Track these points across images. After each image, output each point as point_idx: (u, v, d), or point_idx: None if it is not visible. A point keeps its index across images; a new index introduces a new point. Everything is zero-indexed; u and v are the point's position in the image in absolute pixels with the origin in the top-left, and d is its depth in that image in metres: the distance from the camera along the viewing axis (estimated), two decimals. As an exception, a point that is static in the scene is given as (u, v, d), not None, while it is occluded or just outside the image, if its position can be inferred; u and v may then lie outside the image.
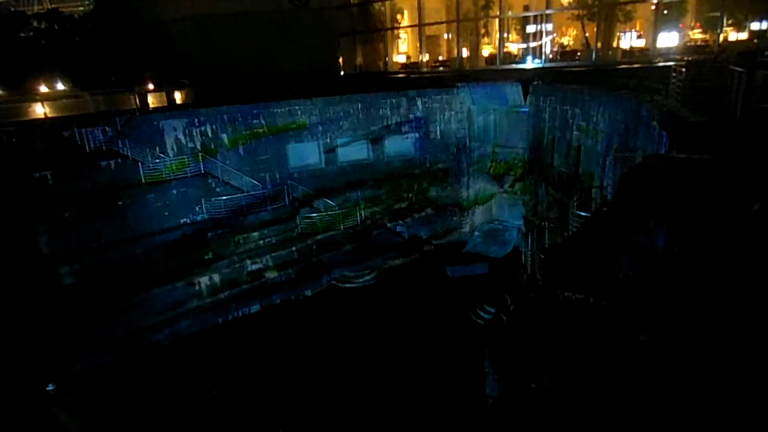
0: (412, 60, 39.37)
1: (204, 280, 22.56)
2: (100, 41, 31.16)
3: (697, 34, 30.91)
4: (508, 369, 5.49)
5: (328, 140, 26.50)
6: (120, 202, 21.39)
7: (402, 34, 40.97)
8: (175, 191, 22.64)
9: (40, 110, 24.87)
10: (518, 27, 36.17)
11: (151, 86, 30.82)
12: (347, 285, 24.82)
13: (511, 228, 28.43)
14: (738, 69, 11.89)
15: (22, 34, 31.37)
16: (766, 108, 11.06)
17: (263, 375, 18.17)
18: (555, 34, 33.72)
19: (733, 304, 5.03)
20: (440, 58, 38.65)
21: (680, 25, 30.32)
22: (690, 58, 21.88)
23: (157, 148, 22.29)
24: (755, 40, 26.69)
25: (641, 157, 13.66)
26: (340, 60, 39.26)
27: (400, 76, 35.01)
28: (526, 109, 26.10)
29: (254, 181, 24.47)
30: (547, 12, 30.47)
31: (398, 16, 38.36)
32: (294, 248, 24.68)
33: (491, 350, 5.87)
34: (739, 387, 4.19)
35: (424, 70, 35.17)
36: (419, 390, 16.65)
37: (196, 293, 22.35)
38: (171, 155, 22.67)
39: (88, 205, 20.49)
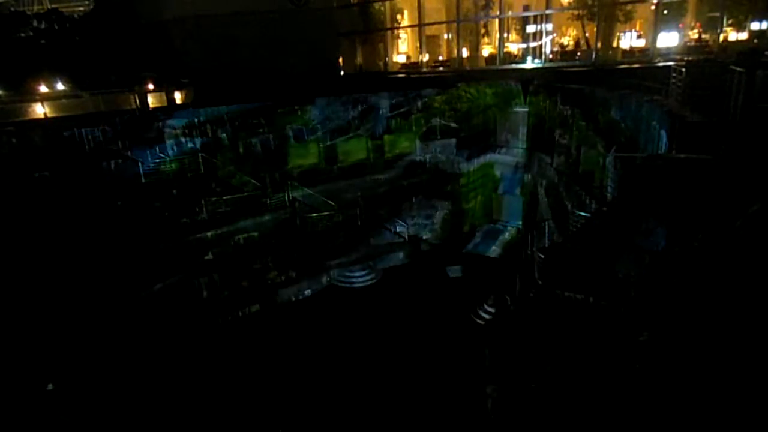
0: (412, 60, 39.37)
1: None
2: (100, 41, 31.16)
3: (697, 34, 30.93)
4: (508, 369, 5.49)
5: (328, 139, 26.56)
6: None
7: (402, 34, 40.96)
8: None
9: (40, 110, 24.87)
10: (518, 27, 36.15)
11: (151, 86, 30.82)
12: (347, 285, 24.81)
13: (511, 228, 28.45)
14: (738, 69, 11.90)
15: (22, 34, 31.37)
16: (766, 108, 11.06)
17: (262, 375, 18.17)
18: (555, 34, 33.71)
19: (733, 304, 5.03)
20: (440, 58, 38.64)
21: (680, 25, 30.34)
22: (690, 58, 21.91)
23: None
24: (755, 40, 26.70)
25: (641, 157, 13.67)
26: (340, 60, 39.27)
27: (400, 76, 35.02)
28: (526, 109, 26.12)
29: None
30: (547, 12, 30.48)
31: (398, 16, 38.36)
32: (294, 248, 24.69)
33: (491, 350, 5.88)
34: (739, 386, 4.19)
35: (424, 70, 35.17)
36: (419, 389, 16.66)
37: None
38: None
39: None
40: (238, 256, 23.72)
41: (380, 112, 28.63)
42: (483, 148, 28.34)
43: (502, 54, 32.65)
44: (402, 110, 28.67)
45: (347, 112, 28.10)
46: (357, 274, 24.89)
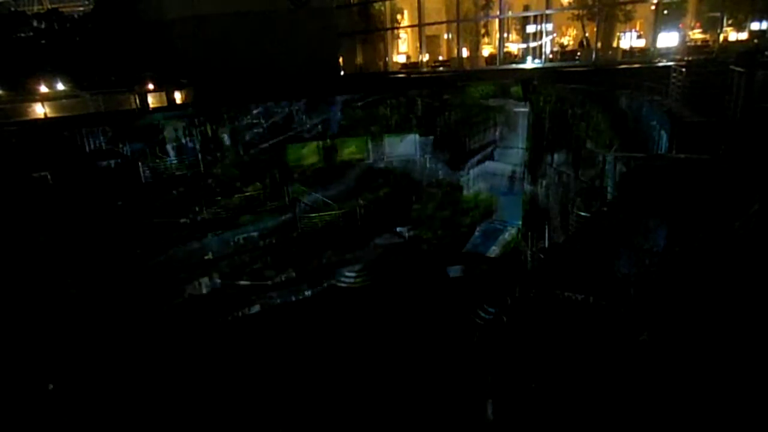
0: (412, 60, 39.34)
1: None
2: (100, 41, 31.14)
3: (697, 34, 30.93)
4: (508, 369, 5.49)
5: (328, 140, 26.54)
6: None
7: (402, 34, 40.95)
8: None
9: (40, 110, 24.85)
10: (518, 27, 36.15)
11: (151, 86, 30.77)
12: (347, 285, 24.81)
13: (511, 228, 28.43)
14: (738, 69, 11.91)
15: (22, 34, 31.35)
16: (766, 108, 11.07)
17: (262, 375, 18.17)
18: (555, 34, 33.71)
19: (733, 304, 5.03)
20: (440, 58, 38.63)
21: (680, 25, 30.33)
22: (690, 58, 21.91)
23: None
24: (755, 40, 26.69)
25: (641, 157, 13.68)
26: (340, 60, 39.25)
27: (400, 75, 35.01)
28: (526, 109, 26.10)
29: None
30: (547, 12, 30.47)
31: (398, 16, 38.34)
32: (294, 248, 24.70)
33: (491, 350, 5.87)
34: (739, 386, 4.19)
35: (424, 70, 35.16)
36: (418, 389, 16.66)
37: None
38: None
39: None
40: (238, 256, 23.73)
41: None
42: (475, 153, 27.79)
43: (502, 54, 32.64)
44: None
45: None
46: (349, 273, 24.86)
